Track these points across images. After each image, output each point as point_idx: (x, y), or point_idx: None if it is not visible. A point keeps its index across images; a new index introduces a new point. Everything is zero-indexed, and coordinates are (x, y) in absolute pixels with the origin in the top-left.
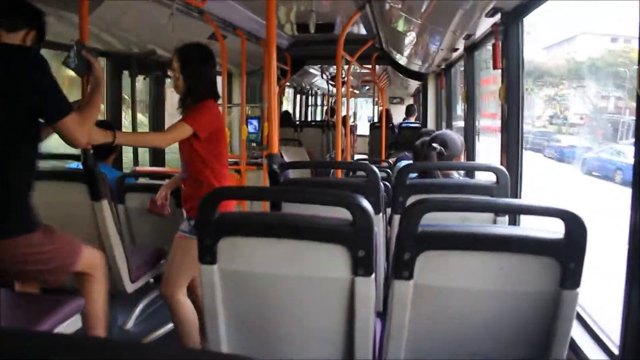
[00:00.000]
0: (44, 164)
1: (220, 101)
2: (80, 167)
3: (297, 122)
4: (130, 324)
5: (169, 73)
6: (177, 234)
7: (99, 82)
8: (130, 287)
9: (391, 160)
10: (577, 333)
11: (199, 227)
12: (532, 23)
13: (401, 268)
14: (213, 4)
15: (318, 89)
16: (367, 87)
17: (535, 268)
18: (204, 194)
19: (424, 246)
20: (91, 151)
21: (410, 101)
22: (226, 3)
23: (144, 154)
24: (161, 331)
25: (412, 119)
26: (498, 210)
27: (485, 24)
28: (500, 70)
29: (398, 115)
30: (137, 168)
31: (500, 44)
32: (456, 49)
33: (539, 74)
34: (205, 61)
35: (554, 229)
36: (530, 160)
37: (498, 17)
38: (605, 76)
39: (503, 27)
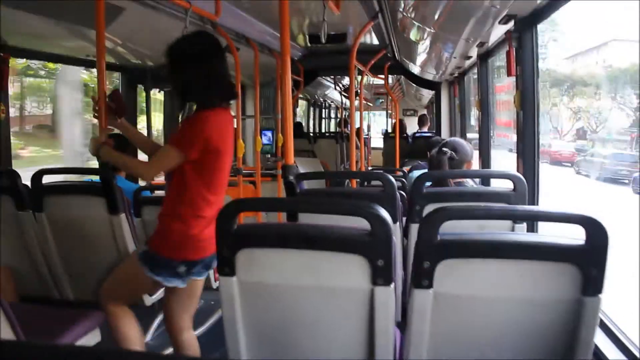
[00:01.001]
0: (61, 178)
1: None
2: (97, 180)
3: (311, 134)
4: (149, 337)
5: None
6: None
7: None
8: (148, 300)
9: (405, 169)
10: (599, 339)
11: (217, 238)
12: (560, 30)
13: (421, 277)
14: (226, 16)
15: (332, 102)
16: (380, 100)
17: (556, 275)
18: (163, 229)
19: (443, 254)
20: (109, 165)
21: (424, 112)
22: (239, 15)
23: None
24: None
25: (426, 129)
26: (517, 218)
27: (498, 31)
28: (514, 78)
29: (411, 127)
30: (153, 181)
31: (514, 50)
32: (469, 57)
33: (571, 83)
34: (200, 55)
35: (575, 235)
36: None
37: (511, 24)
38: None
39: (517, 34)
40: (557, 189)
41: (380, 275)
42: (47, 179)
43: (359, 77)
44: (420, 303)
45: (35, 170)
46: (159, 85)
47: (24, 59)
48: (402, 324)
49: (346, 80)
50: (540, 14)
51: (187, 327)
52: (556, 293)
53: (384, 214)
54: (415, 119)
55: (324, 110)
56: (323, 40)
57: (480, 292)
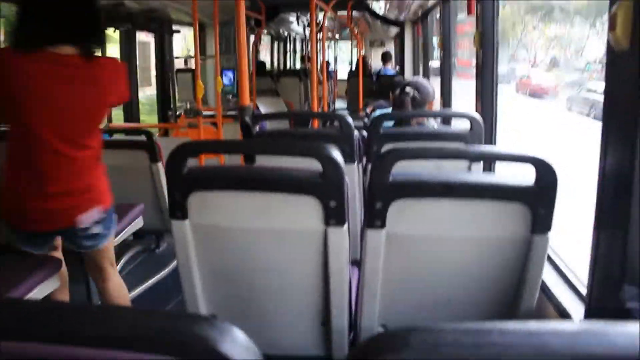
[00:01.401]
0: None
1: (191, 53)
2: None
3: (275, 72)
4: None
5: None
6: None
7: None
8: None
9: (368, 109)
10: (549, 277)
11: (168, 182)
12: None
13: (373, 217)
14: None
15: (296, 34)
16: (348, 31)
17: (506, 214)
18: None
19: (395, 195)
20: None
21: (391, 44)
22: None
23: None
24: (141, 288)
25: (389, 67)
26: (469, 158)
27: None
28: (475, 17)
29: (378, 59)
30: (111, 124)
31: None
32: None
33: (548, 9)
34: None
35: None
36: None
37: None
38: None
39: None
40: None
41: (333, 216)
42: None
43: (322, 14)
44: (373, 243)
45: None
46: (113, 24)
47: None
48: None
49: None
50: None
51: (103, 278)
52: (506, 231)
53: (335, 154)
54: (382, 51)
55: (288, 44)
56: None
57: (432, 231)
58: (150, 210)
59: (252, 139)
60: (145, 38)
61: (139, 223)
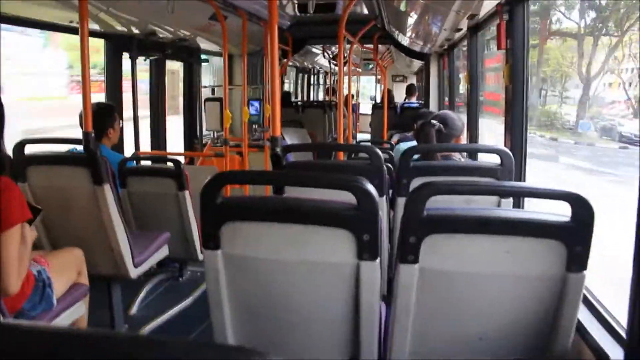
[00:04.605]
0: (45, 148)
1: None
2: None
3: (299, 103)
4: (134, 309)
5: None
6: None
7: None
8: (133, 273)
9: (393, 141)
10: (584, 317)
11: (202, 211)
12: None
13: (407, 252)
14: None
15: (320, 68)
16: (370, 66)
17: (541, 251)
18: None
19: (429, 230)
20: (93, 134)
21: (414, 79)
22: None
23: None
24: (165, 316)
25: (414, 99)
26: (505, 194)
27: (489, 4)
28: (504, 50)
29: (400, 93)
30: (138, 151)
31: (504, 24)
32: (459, 29)
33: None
34: None
35: (559, 211)
36: None
37: None
38: None
39: (508, 7)
40: None
41: (366, 250)
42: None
43: (348, 46)
44: (406, 278)
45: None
46: (144, 53)
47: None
48: (388, 298)
49: (335, 48)
50: None
51: None
52: (541, 269)
53: (371, 188)
54: (404, 86)
55: (312, 76)
56: (311, 11)
57: (466, 267)
58: (175, 239)
59: (286, 170)
60: (173, 67)
61: (164, 251)
